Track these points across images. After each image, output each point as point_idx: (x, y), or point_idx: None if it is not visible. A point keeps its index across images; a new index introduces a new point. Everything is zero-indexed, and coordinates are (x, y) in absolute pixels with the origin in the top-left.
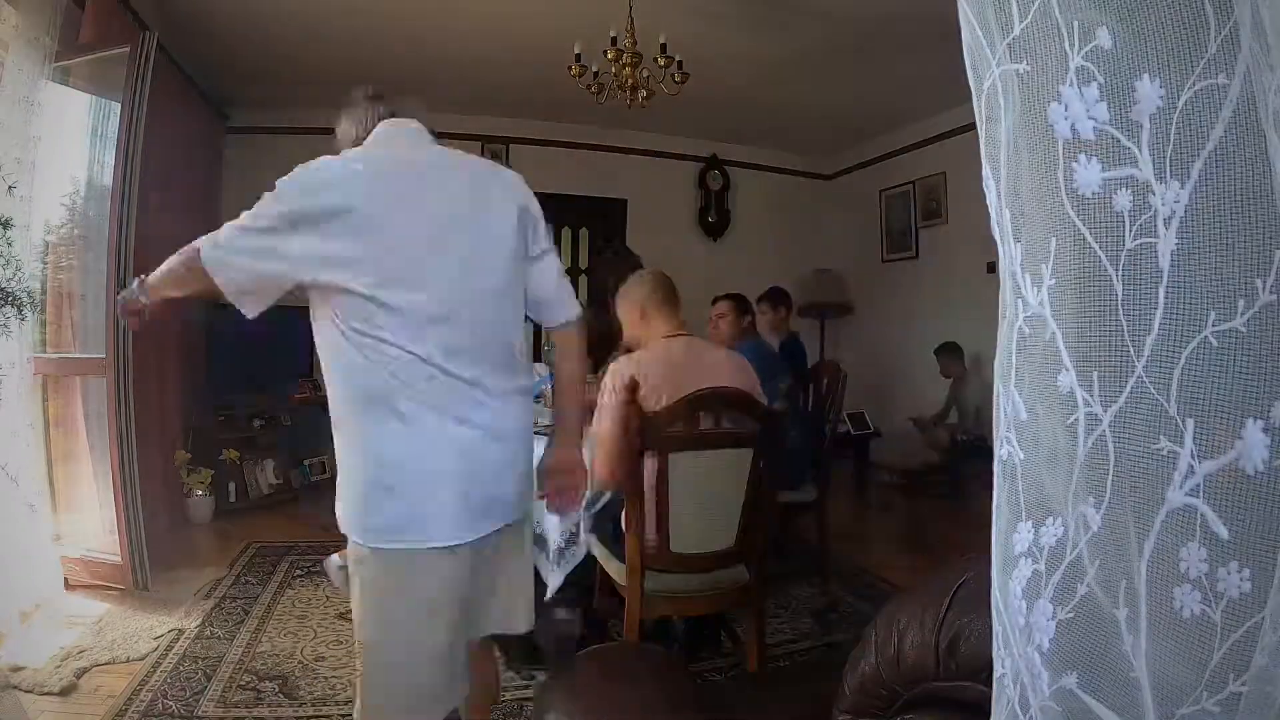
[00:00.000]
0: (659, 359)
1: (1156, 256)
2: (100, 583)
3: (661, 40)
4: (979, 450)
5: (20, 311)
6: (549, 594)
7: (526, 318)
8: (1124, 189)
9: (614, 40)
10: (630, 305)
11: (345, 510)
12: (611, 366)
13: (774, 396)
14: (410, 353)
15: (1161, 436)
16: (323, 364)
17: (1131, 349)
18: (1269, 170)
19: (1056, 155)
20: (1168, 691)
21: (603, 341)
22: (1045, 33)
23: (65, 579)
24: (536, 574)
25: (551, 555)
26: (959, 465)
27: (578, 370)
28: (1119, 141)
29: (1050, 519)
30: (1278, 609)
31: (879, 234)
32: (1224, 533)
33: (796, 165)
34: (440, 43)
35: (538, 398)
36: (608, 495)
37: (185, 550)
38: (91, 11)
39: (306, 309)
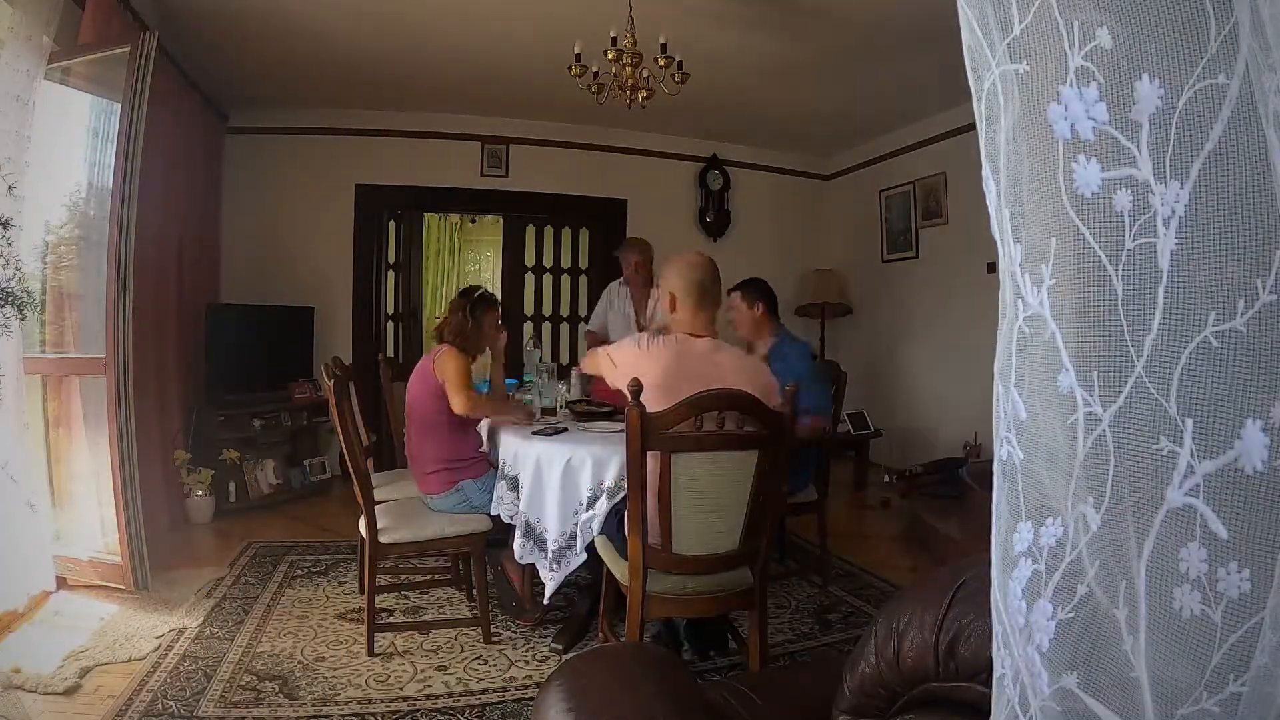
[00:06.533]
0: (663, 360)
1: (1156, 256)
2: (101, 583)
3: (661, 40)
4: None
5: (20, 311)
6: (547, 596)
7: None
8: (1124, 189)
9: (614, 40)
10: (665, 289)
11: None
12: (626, 342)
13: (825, 402)
14: None
15: (1161, 436)
16: None
17: (1131, 349)
18: (1269, 170)
19: (1056, 155)
20: (1168, 691)
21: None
22: (1045, 33)
23: (65, 579)
24: (535, 574)
25: (550, 557)
26: (958, 465)
27: None
28: (1118, 142)
29: (1050, 519)
30: (1278, 609)
31: (879, 234)
32: (1224, 533)
33: (796, 165)
34: (440, 43)
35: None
36: (603, 498)
37: (185, 550)
38: (91, 11)
39: (306, 309)
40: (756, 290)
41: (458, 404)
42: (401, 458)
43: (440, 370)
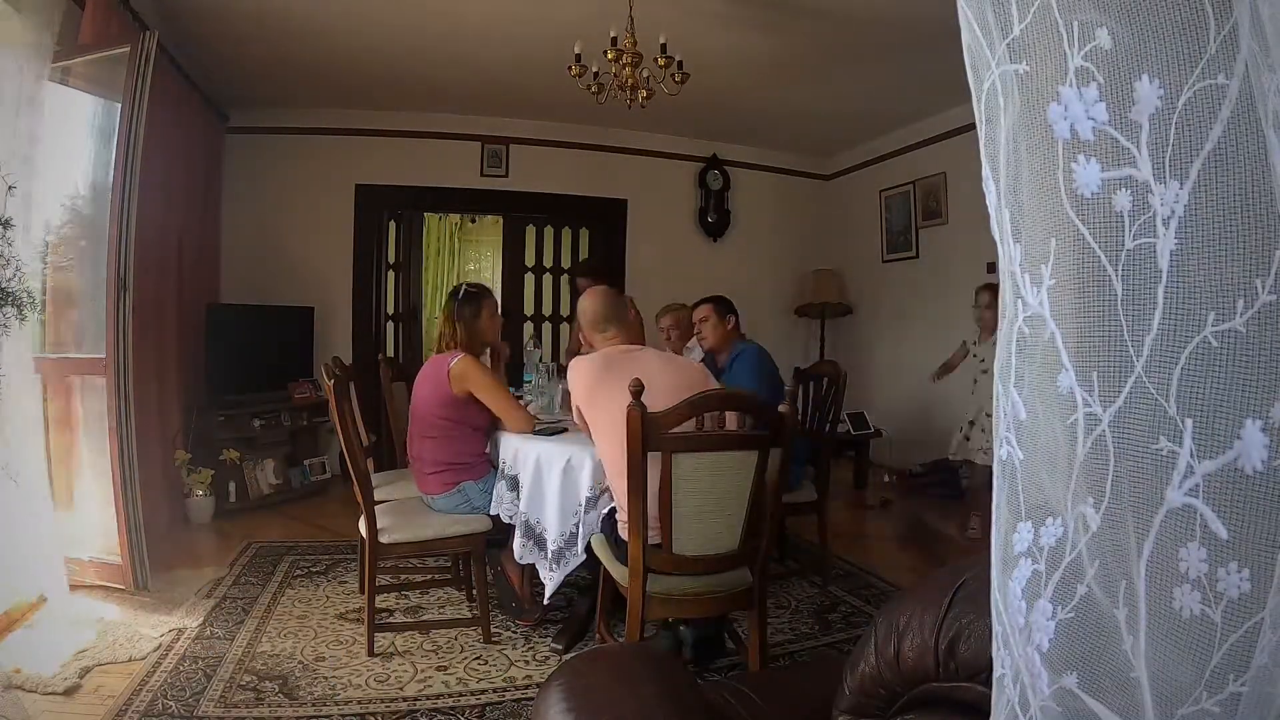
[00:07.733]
0: (593, 367)
1: (1156, 256)
2: (100, 583)
3: (661, 40)
4: None
5: (20, 311)
6: (547, 596)
7: None
8: (1123, 189)
9: (614, 40)
10: (578, 329)
11: None
12: (571, 369)
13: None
14: None
15: (1161, 436)
16: None
17: (1131, 349)
18: (1269, 170)
19: (1056, 155)
20: (1167, 692)
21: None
22: (1045, 33)
23: (66, 579)
24: (535, 574)
25: (550, 557)
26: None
27: None
28: (1118, 142)
29: (1050, 519)
30: (1278, 609)
31: (879, 234)
32: (1223, 533)
33: (796, 165)
34: (440, 43)
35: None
36: (603, 498)
37: (185, 550)
38: (91, 11)
39: (306, 309)
40: (728, 306)
41: (515, 426)
42: (402, 458)
43: (463, 382)
